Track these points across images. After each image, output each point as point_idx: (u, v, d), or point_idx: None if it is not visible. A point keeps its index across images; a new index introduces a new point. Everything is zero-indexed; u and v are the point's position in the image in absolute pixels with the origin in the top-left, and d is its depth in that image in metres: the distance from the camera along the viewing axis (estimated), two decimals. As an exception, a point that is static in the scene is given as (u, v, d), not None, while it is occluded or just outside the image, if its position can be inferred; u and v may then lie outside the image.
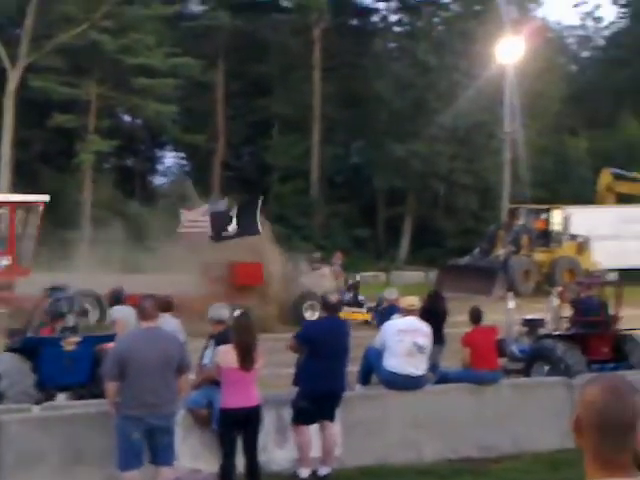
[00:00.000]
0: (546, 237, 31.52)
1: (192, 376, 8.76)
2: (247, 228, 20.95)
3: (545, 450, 10.04)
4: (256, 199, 21.99)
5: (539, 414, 10.38)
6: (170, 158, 52.14)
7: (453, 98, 38.21)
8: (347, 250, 30.39)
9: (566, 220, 31.30)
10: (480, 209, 41.25)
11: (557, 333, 13.10)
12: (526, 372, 12.67)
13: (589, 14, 56.78)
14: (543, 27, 44.72)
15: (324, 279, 22.57)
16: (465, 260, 31.43)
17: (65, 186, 36.94)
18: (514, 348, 13.28)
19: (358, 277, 24.02)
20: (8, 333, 12.09)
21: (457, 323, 13.95)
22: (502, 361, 12.45)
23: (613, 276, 24.47)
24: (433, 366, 11.11)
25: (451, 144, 39.81)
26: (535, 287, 28.97)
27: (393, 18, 48.46)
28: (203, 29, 42.09)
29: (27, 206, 22.03)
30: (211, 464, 8.60)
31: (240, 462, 8.34)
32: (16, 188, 32.30)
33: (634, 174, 35.78)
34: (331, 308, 9.35)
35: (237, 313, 8.58)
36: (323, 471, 9.16)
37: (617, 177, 35.86)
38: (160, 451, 7.68)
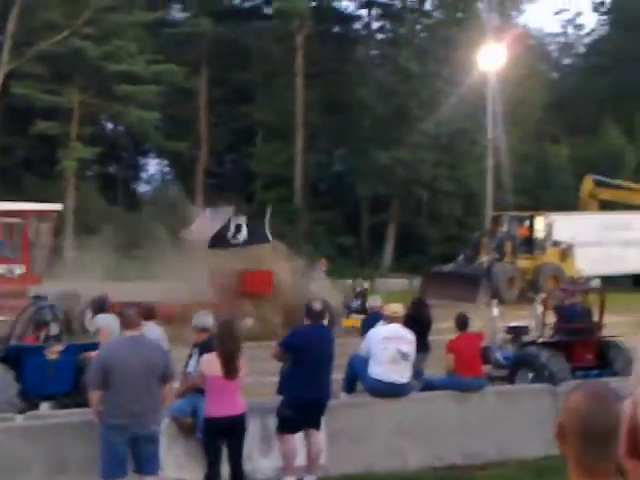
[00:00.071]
0: (529, 244, 31.49)
1: (176, 384, 8.72)
2: (257, 236, 21.02)
3: (530, 457, 10.04)
4: (264, 210, 22.10)
5: (524, 421, 10.39)
6: (153, 165, 52.20)
7: (436, 105, 38.33)
8: (331, 257, 30.35)
9: (549, 227, 31.30)
10: (464, 215, 41.30)
11: (541, 340, 13.08)
12: (510, 379, 12.66)
13: (570, 21, 57.51)
14: (525, 34, 45.01)
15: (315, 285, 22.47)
16: (449, 267, 31.40)
17: (48, 193, 36.74)
18: (498, 355, 13.28)
19: (366, 285, 23.95)
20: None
21: (441, 330, 13.97)
22: (486, 368, 12.44)
23: (596, 283, 24.53)
24: (417, 373, 11.10)
25: (434, 151, 39.90)
26: (519, 294, 28.97)
27: (375, 25, 48.79)
28: (185, 36, 42.10)
29: (40, 215, 22.26)
30: (196, 473, 8.57)
31: (225, 471, 8.31)
32: (-1, 195, 32.17)
33: (617, 181, 35.97)
34: (315, 316, 9.22)
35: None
36: (308, 479, 9.15)
37: (600, 184, 35.99)
38: (144, 460, 7.62)
